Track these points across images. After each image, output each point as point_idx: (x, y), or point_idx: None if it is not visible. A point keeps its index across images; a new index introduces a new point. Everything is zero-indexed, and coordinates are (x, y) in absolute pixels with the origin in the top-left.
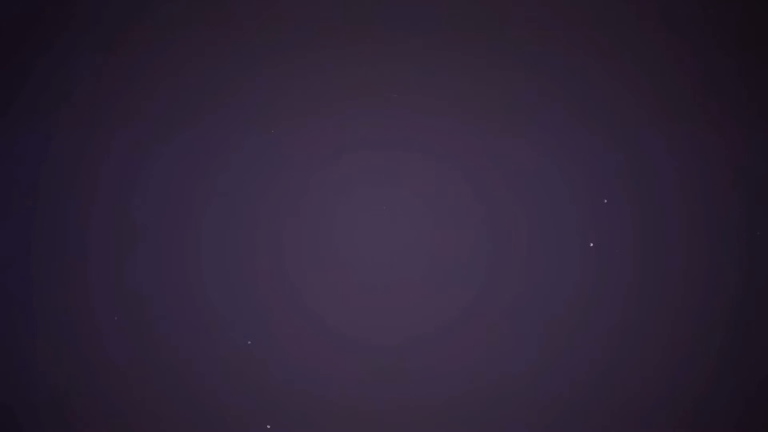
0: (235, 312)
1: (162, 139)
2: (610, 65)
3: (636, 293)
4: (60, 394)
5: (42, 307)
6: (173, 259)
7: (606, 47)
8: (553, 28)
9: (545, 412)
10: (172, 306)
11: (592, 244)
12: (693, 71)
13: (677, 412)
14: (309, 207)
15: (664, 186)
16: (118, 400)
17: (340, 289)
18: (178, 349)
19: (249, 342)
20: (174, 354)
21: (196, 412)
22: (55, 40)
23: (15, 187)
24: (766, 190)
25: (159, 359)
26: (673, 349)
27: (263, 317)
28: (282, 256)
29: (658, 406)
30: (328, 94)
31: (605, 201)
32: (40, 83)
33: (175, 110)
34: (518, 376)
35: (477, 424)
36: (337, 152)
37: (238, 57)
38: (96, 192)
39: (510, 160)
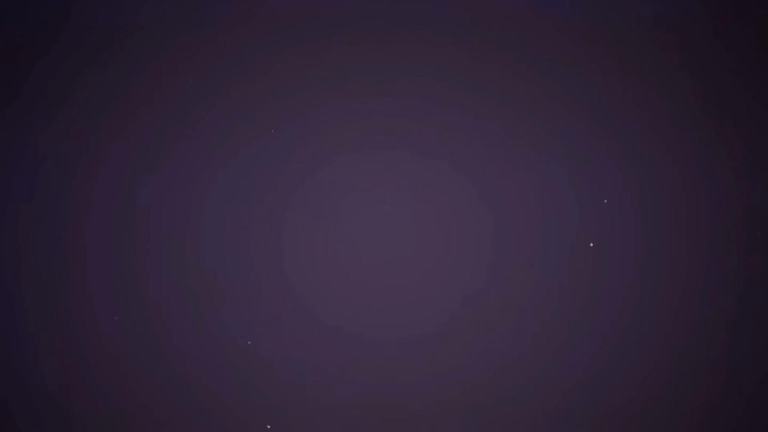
0: (235, 312)
1: (162, 139)
2: (611, 66)
3: (636, 293)
4: (60, 393)
5: (42, 307)
6: (173, 258)
7: (606, 49)
8: (556, 29)
9: (546, 411)
10: (172, 306)
11: (592, 244)
12: (692, 71)
13: (677, 412)
14: (309, 207)
15: (664, 186)
16: (118, 400)
17: (340, 288)
18: (178, 349)
19: (249, 342)
20: (174, 354)
21: (196, 412)
22: (54, 42)
23: (15, 186)
24: (766, 191)
25: (159, 359)
26: (672, 349)
27: (263, 317)
28: (282, 256)
29: (658, 405)
30: (328, 94)
31: (605, 201)
32: (38, 84)
33: (175, 110)
34: (517, 376)
35: (478, 422)
36: (338, 152)
37: (237, 57)
38: (96, 191)
39: (510, 160)
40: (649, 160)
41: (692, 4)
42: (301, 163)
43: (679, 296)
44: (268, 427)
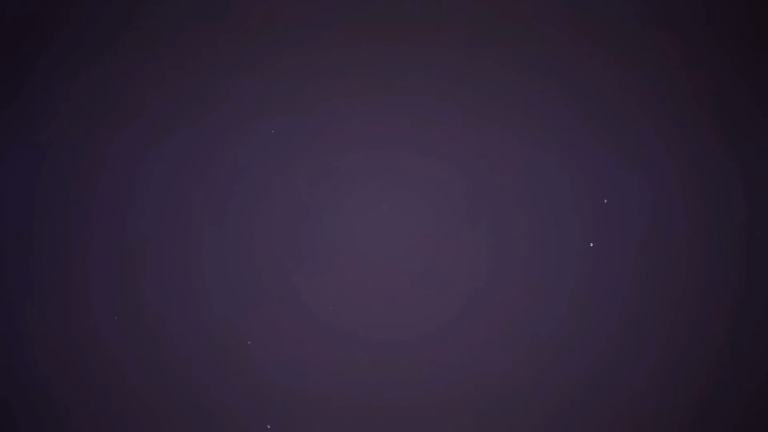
0: (235, 312)
1: (161, 139)
2: (611, 66)
3: (636, 293)
4: (60, 394)
5: (42, 307)
6: (173, 259)
7: (606, 49)
8: (556, 29)
9: (546, 411)
10: (172, 306)
11: (592, 245)
12: (693, 71)
13: (677, 413)
14: (309, 207)
15: (664, 186)
16: (117, 400)
17: (340, 289)
18: (178, 349)
19: (249, 342)
20: (174, 354)
21: (196, 413)
22: (54, 41)
23: (15, 186)
24: (766, 191)
25: (159, 359)
26: (673, 350)
27: (263, 317)
28: (282, 256)
29: (658, 406)
30: (329, 94)
31: (605, 201)
32: (39, 84)
33: (174, 111)
34: (517, 376)
35: (479, 423)
36: (337, 152)
37: (237, 57)
38: (96, 192)
39: (510, 160)
40: (649, 160)
41: (692, 4)
42: (300, 164)
43: (679, 296)
44: (268, 427)
